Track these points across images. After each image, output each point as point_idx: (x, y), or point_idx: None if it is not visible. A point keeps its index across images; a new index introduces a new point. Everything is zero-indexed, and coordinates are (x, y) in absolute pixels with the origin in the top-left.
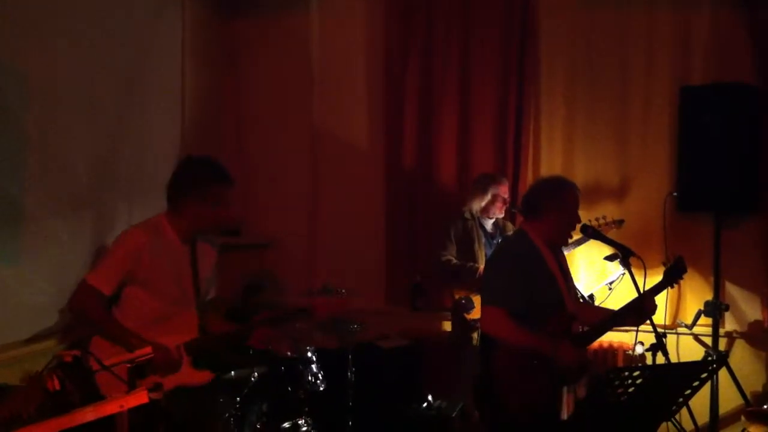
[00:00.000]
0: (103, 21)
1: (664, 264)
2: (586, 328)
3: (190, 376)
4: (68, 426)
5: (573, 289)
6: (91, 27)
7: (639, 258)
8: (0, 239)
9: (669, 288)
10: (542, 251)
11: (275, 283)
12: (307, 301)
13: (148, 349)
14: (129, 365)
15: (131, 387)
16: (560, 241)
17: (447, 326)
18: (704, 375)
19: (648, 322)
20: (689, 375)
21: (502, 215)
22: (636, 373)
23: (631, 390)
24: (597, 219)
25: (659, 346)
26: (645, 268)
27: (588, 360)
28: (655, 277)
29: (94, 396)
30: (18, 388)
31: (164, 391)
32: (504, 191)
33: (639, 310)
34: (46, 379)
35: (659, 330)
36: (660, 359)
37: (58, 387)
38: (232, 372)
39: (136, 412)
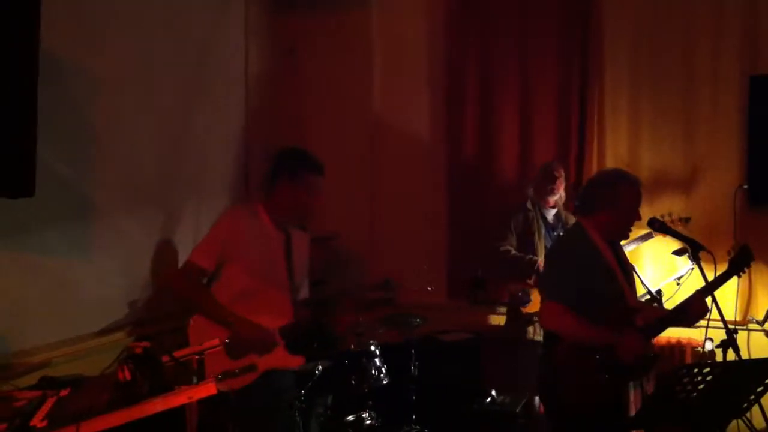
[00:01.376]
0: (168, 17)
1: (729, 254)
2: None
3: (284, 359)
4: (139, 416)
5: (634, 284)
6: (155, 24)
7: (709, 252)
8: (73, 234)
9: (737, 277)
10: (599, 245)
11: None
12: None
13: (215, 341)
14: (197, 357)
15: (199, 378)
16: (618, 236)
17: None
18: None
19: (718, 317)
20: (761, 372)
21: (557, 196)
22: (706, 370)
23: (701, 387)
24: (663, 216)
25: (730, 342)
26: (715, 263)
27: (655, 354)
28: None
29: (164, 387)
30: (90, 379)
31: (258, 372)
32: (556, 168)
33: (687, 314)
34: (118, 370)
35: (730, 326)
36: (731, 356)
37: (129, 378)
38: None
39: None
